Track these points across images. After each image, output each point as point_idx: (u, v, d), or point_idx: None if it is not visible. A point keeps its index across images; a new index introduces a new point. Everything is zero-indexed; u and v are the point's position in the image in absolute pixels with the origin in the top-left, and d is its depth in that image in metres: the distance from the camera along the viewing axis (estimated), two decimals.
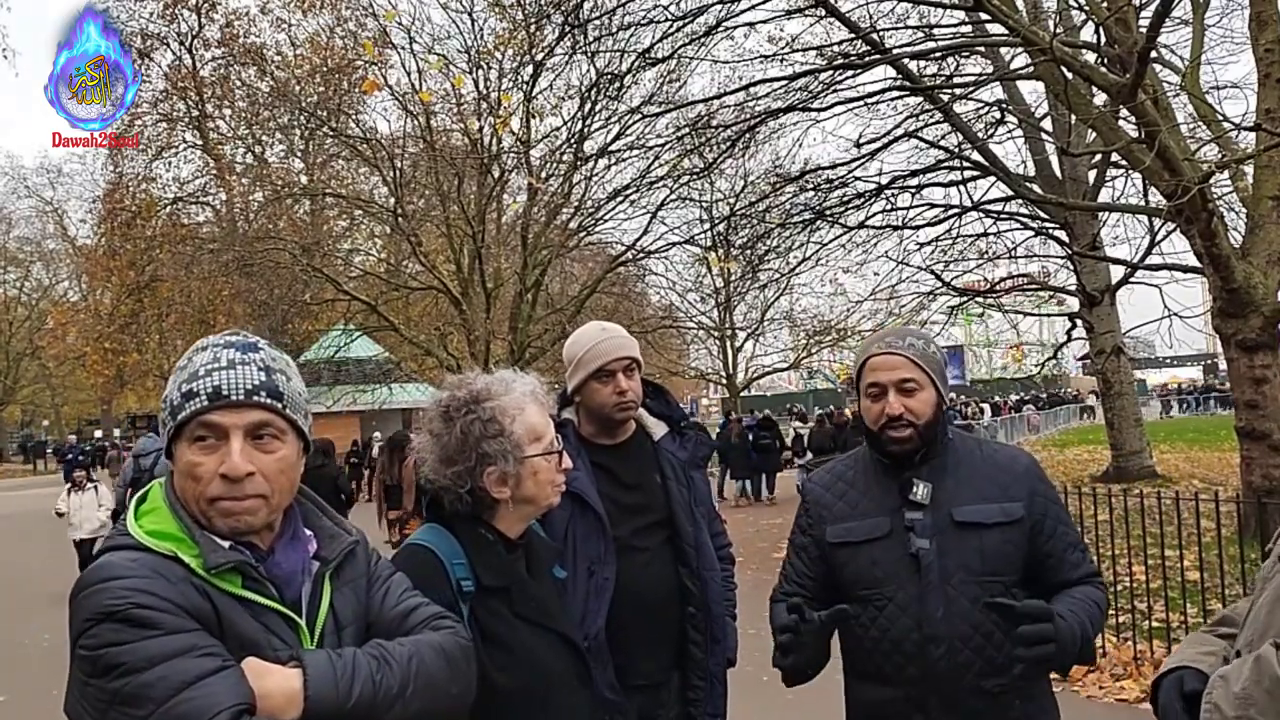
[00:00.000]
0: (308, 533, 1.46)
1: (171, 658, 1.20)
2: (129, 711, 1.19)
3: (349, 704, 1.27)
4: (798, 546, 2.16)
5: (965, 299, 16.51)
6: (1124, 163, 11.51)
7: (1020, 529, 1.96)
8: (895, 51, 10.50)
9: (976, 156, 12.86)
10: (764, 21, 12.05)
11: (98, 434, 48.16)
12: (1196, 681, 1.45)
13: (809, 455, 17.29)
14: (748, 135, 13.50)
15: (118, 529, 1.37)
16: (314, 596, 1.41)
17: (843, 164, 13.70)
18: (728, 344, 27.00)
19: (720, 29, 11.03)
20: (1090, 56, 9.72)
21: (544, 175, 18.30)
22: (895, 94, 12.38)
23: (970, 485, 1.99)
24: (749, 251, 16.50)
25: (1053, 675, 2.08)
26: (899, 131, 13.43)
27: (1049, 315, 21.15)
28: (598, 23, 12.62)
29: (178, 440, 1.36)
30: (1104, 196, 14.26)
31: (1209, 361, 52.11)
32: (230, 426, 1.34)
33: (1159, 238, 12.50)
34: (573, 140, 17.87)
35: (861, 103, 12.52)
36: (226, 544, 1.34)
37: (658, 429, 2.50)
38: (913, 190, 14.15)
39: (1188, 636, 1.68)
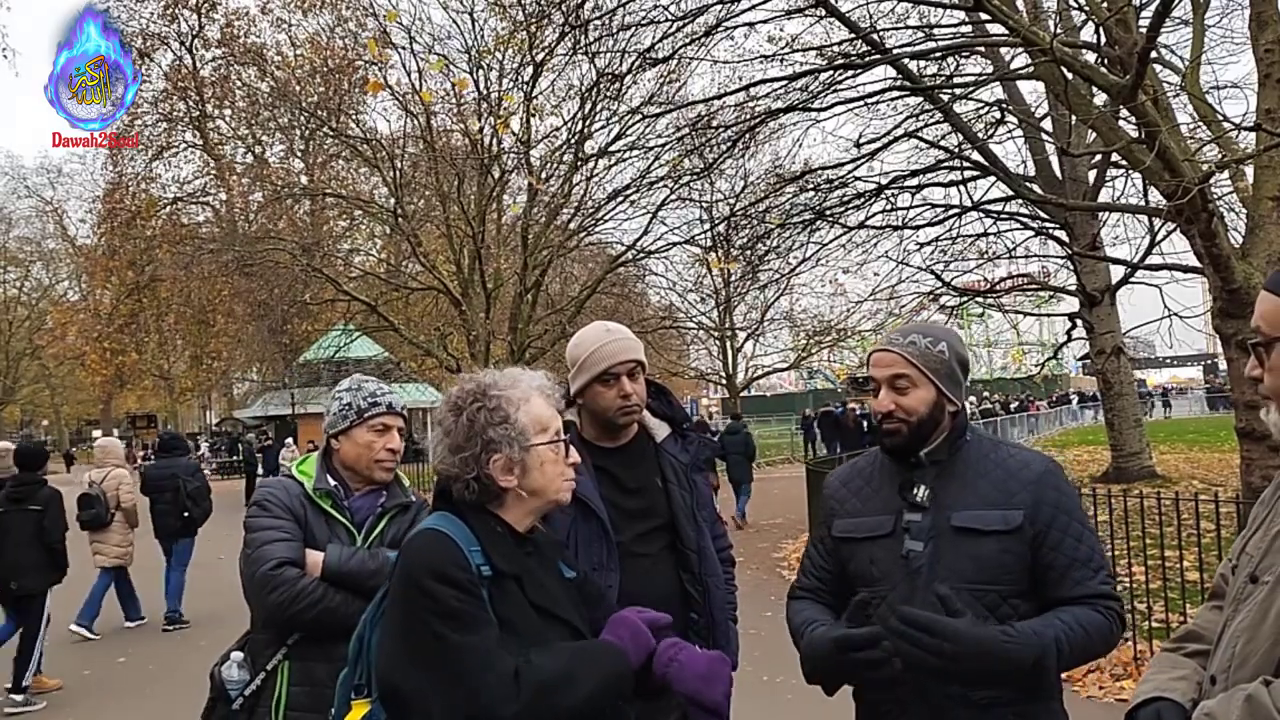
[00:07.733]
0: (384, 493, 2.62)
1: (266, 529, 2.45)
2: (247, 551, 2.44)
3: (345, 571, 2.42)
4: (816, 539, 2.17)
5: (965, 299, 16.50)
6: (1124, 163, 11.51)
7: (1020, 538, 1.87)
8: (895, 51, 10.51)
9: (976, 156, 12.84)
10: (764, 21, 12.02)
11: (96, 432, 48.09)
12: (1176, 717, 1.40)
13: None
14: (748, 135, 13.50)
15: (285, 469, 2.73)
16: (375, 523, 2.57)
17: (843, 164, 13.70)
18: (728, 344, 26.96)
19: (720, 29, 11.02)
20: (1090, 56, 9.73)
21: (544, 175, 18.27)
22: (895, 94, 12.38)
23: (975, 490, 1.93)
24: (749, 252, 16.47)
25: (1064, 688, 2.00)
26: (899, 131, 13.43)
27: (1049, 315, 21.16)
28: (598, 23, 12.62)
29: (359, 427, 2.53)
30: (1104, 196, 14.26)
31: (1209, 361, 52.09)
32: (394, 425, 2.60)
33: (1159, 238, 12.55)
34: (573, 140, 17.85)
35: (861, 103, 12.52)
36: (333, 483, 2.54)
37: (660, 430, 2.47)
38: (913, 190, 14.14)
39: (1154, 657, 1.59)
